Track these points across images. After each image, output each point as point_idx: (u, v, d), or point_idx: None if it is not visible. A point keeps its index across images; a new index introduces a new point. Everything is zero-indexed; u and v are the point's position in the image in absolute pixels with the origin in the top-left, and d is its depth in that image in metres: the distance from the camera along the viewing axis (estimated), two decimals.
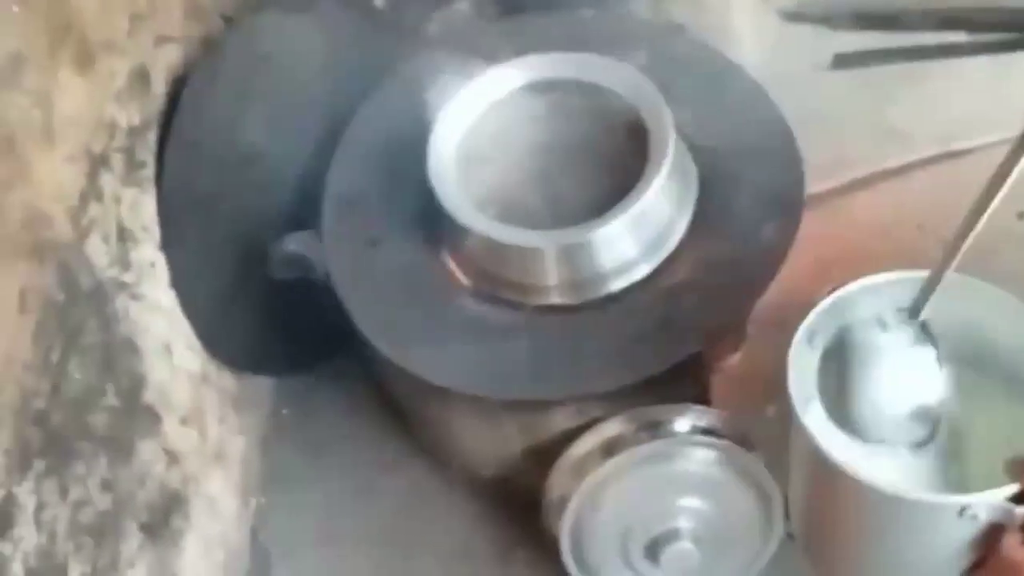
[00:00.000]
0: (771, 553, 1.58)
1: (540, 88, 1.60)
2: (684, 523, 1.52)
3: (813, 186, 1.62)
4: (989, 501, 1.05)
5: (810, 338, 1.20)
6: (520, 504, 1.69)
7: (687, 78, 1.64)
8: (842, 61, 2.15)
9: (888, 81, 2.12)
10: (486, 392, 1.57)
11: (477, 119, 1.58)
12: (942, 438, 1.19)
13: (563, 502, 1.53)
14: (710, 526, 1.53)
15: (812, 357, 1.20)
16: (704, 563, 1.55)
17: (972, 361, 1.21)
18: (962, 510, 1.05)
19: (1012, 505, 1.05)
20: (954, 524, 1.07)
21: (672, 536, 1.52)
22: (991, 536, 1.09)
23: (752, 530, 1.56)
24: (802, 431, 1.13)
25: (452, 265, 1.58)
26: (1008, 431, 1.16)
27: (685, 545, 1.52)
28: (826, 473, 1.14)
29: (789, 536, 1.61)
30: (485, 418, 1.65)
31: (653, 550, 1.53)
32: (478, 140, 1.58)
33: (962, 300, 1.19)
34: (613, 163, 1.57)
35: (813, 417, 1.16)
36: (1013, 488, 1.05)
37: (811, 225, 1.54)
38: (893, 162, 1.99)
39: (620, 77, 1.56)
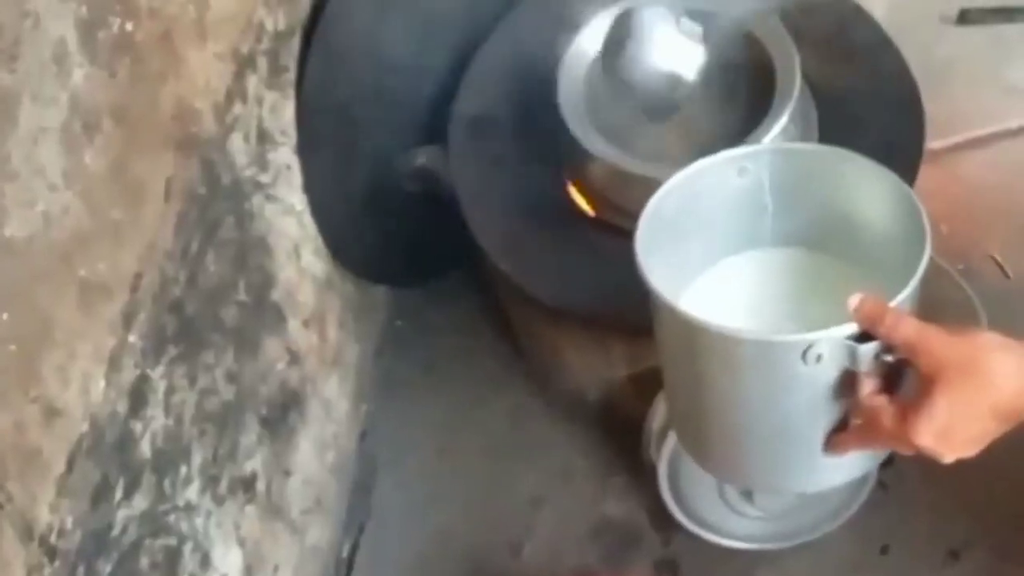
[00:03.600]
0: (863, 500, 1.59)
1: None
2: None
3: (930, 142, 1.61)
4: (830, 337, 1.04)
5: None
6: (621, 431, 1.72)
7: (816, 22, 1.62)
8: (967, 17, 2.13)
9: (1012, 40, 2.10)
10: (598, 315, 1.60)
11: None
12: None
13: (663, 432, 1.55)
14: None
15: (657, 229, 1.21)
16: (797, 504, 1.56)
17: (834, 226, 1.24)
18: (805, 351, 1.04)
19: (855, 344, 1.04)
20: (803, 370, 1.06)
21: None
22: (847, 386, 1.08)
23: None
24: (651, 293, 1.14)
25: (574, 190, 1.60)
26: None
27: None
28: (678, 331, 1.15)
29: (881, 484, 1.63)
30: (595, 341, 1.68)
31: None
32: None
33: (828, 168, 1.22)
34: (738, 100, 1.57)
35: (657, 276, 1.15)
36: (852, 327, 1.04)
37: (925, 180, 1.54)
38: (1012, 122, 1.98)
39: (751, 16, 1.56)
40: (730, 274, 1.29)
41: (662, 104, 1.49)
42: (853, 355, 1.05)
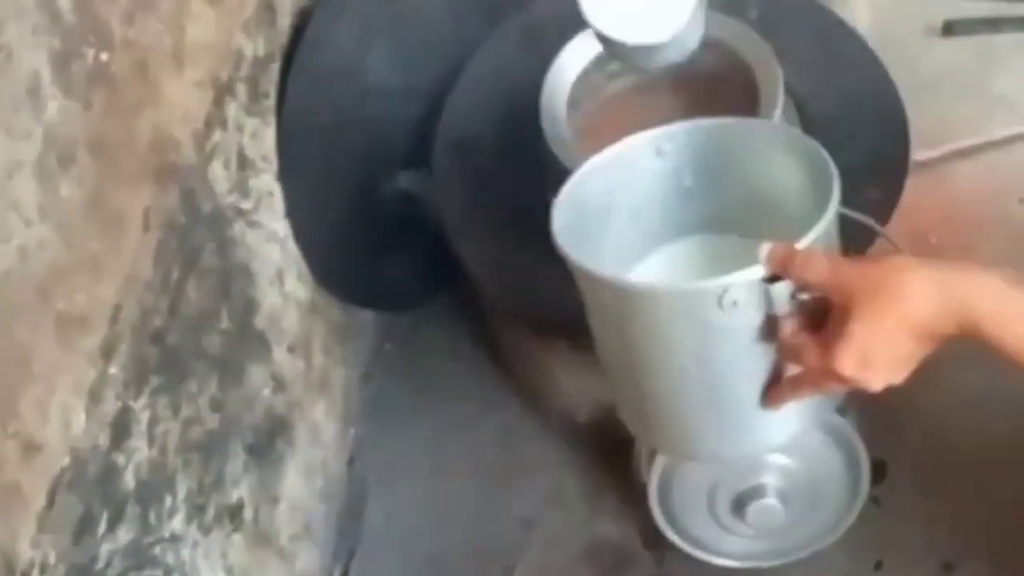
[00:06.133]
0: (855, 515, 1.59)
1: None
2: (771, 480, 1.52)
3: (916, 153, 1.61)
4: (743, 280, 1.04)
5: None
6: (611, 451, 1.71)
7: (798, 36, 1.63)
8: (952, 28, 2.13)
9: (997, 50, 2.10)
10: (587, 335, 1.59)
11: (590, 66, 1.59)
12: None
13: (653, 452, 1.55)
14: (797, 485, 1.53)
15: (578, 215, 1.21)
16: (789, 521, 1.55)
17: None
18: (720, 297, 1.04)
19: (767, 284, 1.04)
20: (723, 319, 1.06)
21: (759, 492, 1.52)
22: (770, 333, 1.08)
23: (838, 491, 1.56)
24: (571, 265, 1.15)
25: None
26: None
27: (771, 502, 1.52)
28: (601, 299, 1.17)
29: (874, 500, 1.62)
30: (584, 362, 1.67)
31: (739, 505, 1.54)
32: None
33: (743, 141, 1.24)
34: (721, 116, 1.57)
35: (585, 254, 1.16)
36: (761, 270, 1.04)
37: (912, 192, 1.54)
38: (999, 132, 1.98)
39: (732, 32, 1.56)
40: (661, 263, 1.30)
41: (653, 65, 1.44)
42: (768, 296, 1.05)
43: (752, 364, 1.12)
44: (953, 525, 1.63)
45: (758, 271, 1.05)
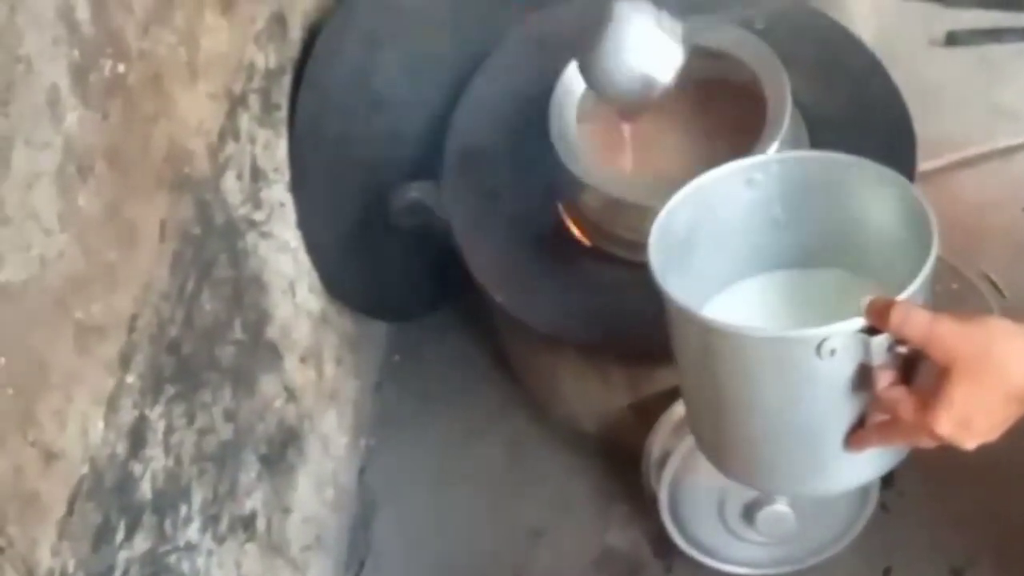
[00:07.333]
0: (865, 522, 1.59)
1: None
2: None
3: (921, 163, 1.62)
4: (843, 330, 1.04)
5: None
6: (620, 460, 1.72)
7: (805, 47, 1.63)
8: (955, 39, 2.14)
9: (1000, 61, 2.11)
10: (596, 344, 1.60)
11: None
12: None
13: (663, 460, 1.55)
14: None
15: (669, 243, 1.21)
16: (799, 528, 1.56)
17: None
18: (819, 346, 1.04)
19: (867, 336, 1.04)
20: (819, 366, 1.06)
21: (768, 499, 1.53)
22: (864, 381, 1.08)
23: (847, 498, 1.56)
24: (665, 299, 1.14)
25: (568, 220, 1.61)
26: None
27: (781, 508, 1.53)
28: (693, 336, 1.15)
29: (882, 506, 1.62)
30: (593, 371, 1.68)
31: (749, 512, 1.55)
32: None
33: (836, 175, 1.23)
34: (728, 126, 1.58)
35: (672, 284, 1.15)
36: (862, 321, 1.04)
37: None
38: (1002, 142, 1.99)
39: (739, 42, 1.56)
40: (746, 296, 1.29)
41: (635, 104, 1.48)
42: (866, 347, 1.05)
43: (840, 409, 1.12)
44: (961, 530, 1.64)
45: (858, 322, 1.04)
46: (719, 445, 1.28)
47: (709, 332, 1.12)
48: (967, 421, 1.03)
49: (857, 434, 1.13)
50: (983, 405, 1.02)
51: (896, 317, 1.03)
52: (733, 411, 1.19)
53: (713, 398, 1.21)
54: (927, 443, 1.08)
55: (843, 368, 1.07)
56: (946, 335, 1.02)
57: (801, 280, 1.28)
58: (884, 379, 1.07)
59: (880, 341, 1.04)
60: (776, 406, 1.14)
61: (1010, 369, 1.01)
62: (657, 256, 1.17)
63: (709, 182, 1.25)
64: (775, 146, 1.46)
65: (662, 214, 1.21)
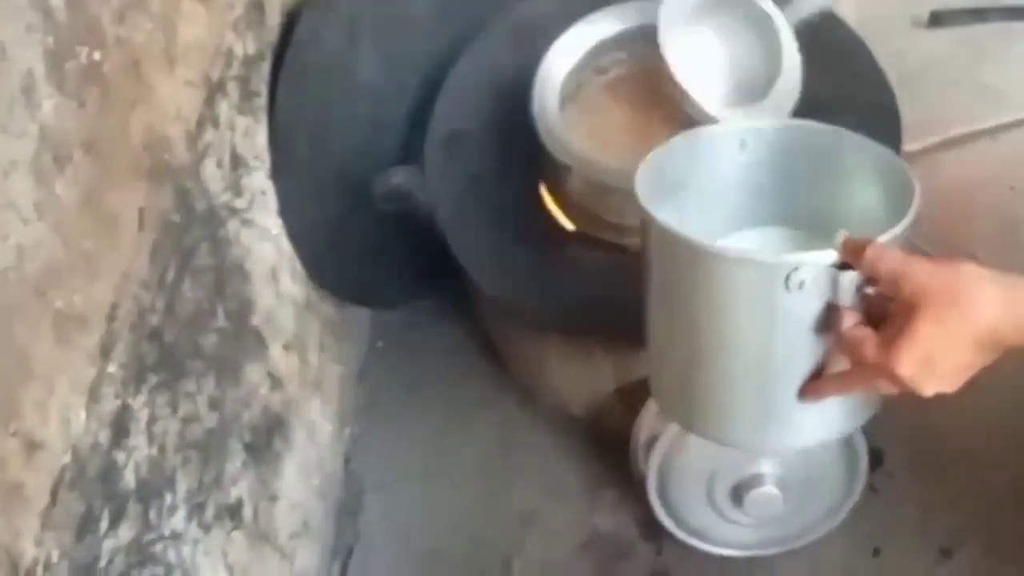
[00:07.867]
0: (853, 504, 1.59)
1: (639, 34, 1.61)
2: (769, 468, 1.53)
3: (906, 144, 1.62)
4: (814, 262, 1.05)
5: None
6: (609, 444, 1.73)
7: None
8: (939, 19, 2.14)
9: (984, 40, 2.11)
10: (582, 328, 1.60)
11: (581, 60, 1.59)
12: None
13: (651, 443, 1.55)
14: (795, 473, 1.54)
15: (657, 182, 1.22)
16: (787, 509, 1.56)
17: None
18: (789, 275, 1.05)
19: (836, 270, 1.05)
20: (786, 299, 1.07)
21: (757, 480, 1.53)
22: (829, 324, 1.08)
23: (836, 479, 1.57)
24: (643, 215, 1.16)
25: (552, 205, 1.61)
26: None
27: (769, 490, 1.53)
28: (666, 255, 1.17)
29: (871, 487, 1.63)
30: (579, 355, 1.68)
31: (737, 493, 1.55)
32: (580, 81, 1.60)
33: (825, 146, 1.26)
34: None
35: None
36: (834, 254, 1.05)
37: None
38: (986, 122, 1.99)
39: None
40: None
41: None
42: (835, 283, 1.06)
43: (803, 353, 1.12)
44: (950, 511, 1.64)
45: (830, 255, 1.05)
46: (680, 395, 1.29)
47: (685, 249, 1.12)
48: (929, 361, 1.03)
49: (813, 383, 1.14)
50: (947, 345, 1.02)
51: (871, 252, 1.03)
52: (696, 347, 1.19)
53: (680, 334, 1.21)
54: (887, 388, 1.08)
55: (809, 305, 1.08)
56: (918, 271, 1.02)
57: (783, 238, 1.30)
58: (850, 319, 1.07)
59: (850, 277, 1.05)
60: (739, 340, 1.15)
61: (978, 312, 1.01)
62: (644, 187, 1.18)
63: (702, 135, 1.28)
64: None
65: (650, 156, 1.23)
